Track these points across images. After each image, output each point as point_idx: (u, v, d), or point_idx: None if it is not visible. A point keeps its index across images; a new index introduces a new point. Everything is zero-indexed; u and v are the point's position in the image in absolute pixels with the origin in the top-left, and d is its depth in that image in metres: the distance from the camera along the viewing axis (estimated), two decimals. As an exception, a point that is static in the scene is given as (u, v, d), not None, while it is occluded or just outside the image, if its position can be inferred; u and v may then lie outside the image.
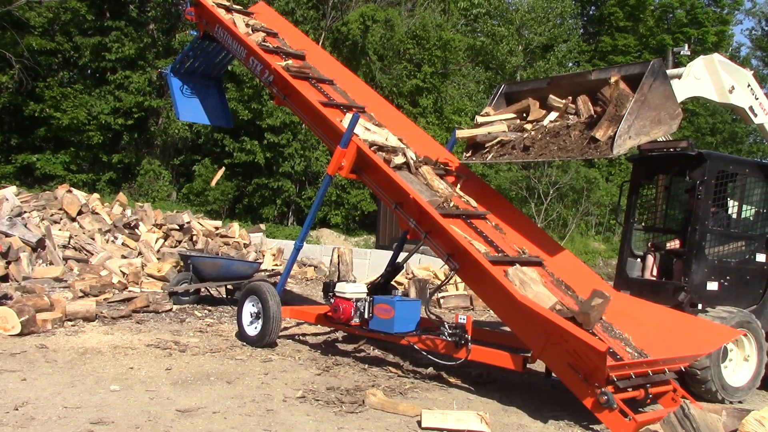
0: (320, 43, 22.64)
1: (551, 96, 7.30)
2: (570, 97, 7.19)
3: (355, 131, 7.70)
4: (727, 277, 7.48)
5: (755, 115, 7.59)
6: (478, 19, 30.57)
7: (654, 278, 7.81)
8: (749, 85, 7.48)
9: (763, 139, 8.30)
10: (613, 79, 6.48)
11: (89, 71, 25.29)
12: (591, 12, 39.56)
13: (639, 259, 8.05)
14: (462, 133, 7.91)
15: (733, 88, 7.32)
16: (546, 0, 31.83)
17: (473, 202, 7.84)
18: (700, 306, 7.24)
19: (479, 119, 7.79)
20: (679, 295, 7.21)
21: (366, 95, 9.34)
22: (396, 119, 9.00)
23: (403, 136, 8.54)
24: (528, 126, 7.39)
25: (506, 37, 30.13)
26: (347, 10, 26.12)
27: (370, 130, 8.15)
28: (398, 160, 7.79)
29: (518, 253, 7.22)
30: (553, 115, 7.23)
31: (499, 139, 7.41)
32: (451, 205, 7.57)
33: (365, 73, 24.57)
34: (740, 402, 6.97)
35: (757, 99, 7.55)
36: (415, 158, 8.07)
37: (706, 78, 7.22)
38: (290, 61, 9.30)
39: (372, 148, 7.62)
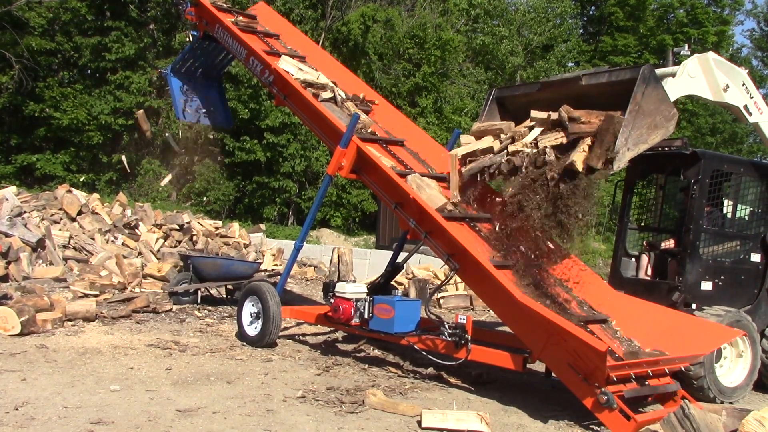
0: (320, 44, 22.64)
1: (533, 111, 7.21)
2: (548, 114, 7.02)
3: (287, 70, 8.77)
4: (722, 277, 7.47)
5: (750, 114, 7.55)
6: (478, 19, 30.55)
7: (648, 278, 7.79)
8: (744, 84, 7.44)
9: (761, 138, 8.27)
10: (584, 119, 6.45)
11: (89, 71, 25.25)
12: (591, 12, 39.55)
13: (633, 259, 8.05)
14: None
15: (727, 86, 7.28)
16: (546, 0, 31.81)
17: (392, 134, 8.77)
18: (694, 306, 7.23)
19: (460, 152, 7.51)
20: (673, 295, 7.20)
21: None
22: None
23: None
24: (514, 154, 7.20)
25: (507, 37, 30.11)
26: (347, 10, 26.10)
27: (303, 70, 9.09)
28: (326, 95, 8.68)
29: (427, 171, 8.07)
30: (537, 130, 7.04)
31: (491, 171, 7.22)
32: (368, 131, 8.43)
33: (365, 73, 24.55)
34: (737, 402, 6.98)
35: (751, 98, 7.51)
36: (343, 95, 8.96)
37: (701, 76, 7.18)
38: (240, 18, 9.83)
39: (303, 85, 8.49)
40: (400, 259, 8.74)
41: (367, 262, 15.28)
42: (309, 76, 8.96)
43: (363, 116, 8.57)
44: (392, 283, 9.12)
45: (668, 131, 6.46)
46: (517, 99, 7.81)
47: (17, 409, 5.07)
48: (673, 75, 7.01)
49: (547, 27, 31.57)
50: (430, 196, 7.20)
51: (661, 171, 8.24)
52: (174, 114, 14.39)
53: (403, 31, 26.29)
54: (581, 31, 37.93)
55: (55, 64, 25.41)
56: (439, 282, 12.49)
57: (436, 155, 8.49)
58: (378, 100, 9.41)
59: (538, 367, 6.61)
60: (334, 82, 9.14)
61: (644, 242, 8.27)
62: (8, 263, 10.37)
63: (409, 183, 7.27)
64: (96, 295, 9.64)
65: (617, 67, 7.05)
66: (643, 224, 8.54)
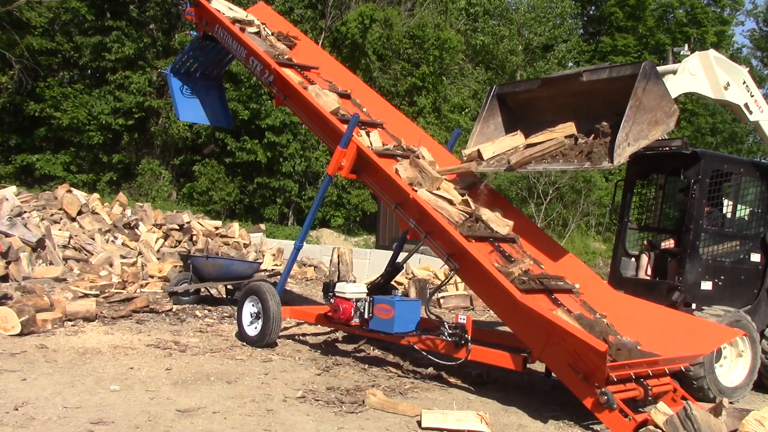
0: (320, 44, 22.64)
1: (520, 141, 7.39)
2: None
3: (218, 9, 9.76)
4: (722, 277, 7.44)
5: (750, 113, 7.50)
6: (477, 18, 30.56)
7: (648, 278, 7.77)
8: (744, 82, 7.40)
9: (761, 138, 8.28)
10: None
11: (89, 71, 25.26)
12: (591, 12, 39.56)
13: (633, 259, 8.03)
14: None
15: (728, 84, 7.24)
16: (546, 0, 31.82)
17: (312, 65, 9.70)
18: (693, 306, 7.21)
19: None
20: (673, 295, 7.18)
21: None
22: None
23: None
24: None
25: (507, 37, 30.12)
26: (346, 9, 26.11)
27: (233, 10, 10.13)
28: (251, 29, 9.78)
29: (330, 87, 9.09)
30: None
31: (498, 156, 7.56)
32: (285, 57, 9.39)
33: (364, 72, 24.54)
34: (737, 401, 6.97)
35: (752, 96, 7.47)
36: (269, 32, 10.04)
37: (701, 74, 7.15)
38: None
39: (231, 21, 9.54)
40: (400, 259, 8.74)
41: (367, 262, 15.27)
42: (238, 15, 10.05)
43: (282, 47, 9.70)
44: (392, 283, 9.12)
45: (669, 127, 6.44)
46: (518, 96, 7.81)
47: (17, 409, 5.06)
48: (674, 72, 6.99)
49: (547, 27, 31.57)
50: (326, 102, 8.26)
51: (661, 171, 8.23)
52: (174, 114, 14.41)
53: (402, 30, 26.28)
54: (581, 31, 37.94)
55: (55, 64, 25.42)
56: (439, 282, 12.49)
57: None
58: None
59: (538, 367, 6.60)
60: (262, 22, 10.18)
61: (644, 242, 8.26)
62: (8, 263, 10.37)
63: (309, 92, 8.30)
64: (96, 295, 9.63)
65: (618, 64, 7.05)
66: (643, 224, 8.53)
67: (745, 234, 7.87)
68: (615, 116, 6.42)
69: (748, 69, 7.66)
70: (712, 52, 7.27)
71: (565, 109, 7.28)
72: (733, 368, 7.23)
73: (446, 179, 7.69)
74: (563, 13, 32.50)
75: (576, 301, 6.87)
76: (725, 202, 7.87)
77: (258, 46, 9.00)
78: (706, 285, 7.34)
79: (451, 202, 7.34)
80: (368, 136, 8.33)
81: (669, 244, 7.82)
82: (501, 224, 7.33)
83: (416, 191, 7.16)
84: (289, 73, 8.75)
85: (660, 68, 6.88)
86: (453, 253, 6.73)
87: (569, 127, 7.08)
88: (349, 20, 24.61)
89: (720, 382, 6.94)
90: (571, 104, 7.22)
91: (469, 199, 7.52)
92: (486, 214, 7.32)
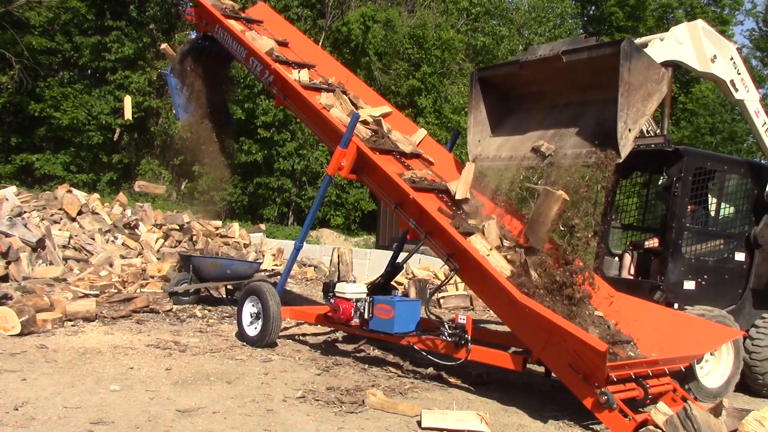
0: (320, 44, 22.64)
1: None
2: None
3: None
4: (705, 276, 7.37)
5: (736, 90, 7.33)
6: (478, 18, 30.56)
7: (631, 277, 7.71)
8: (732, 59, 7.25)
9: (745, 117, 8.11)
10: None
11: (89, 71, 25.28)
12: (591, 12, 39.57)
13: (616, 258, 7.99)
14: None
15: (715, 57, 7.07)
16: (546, 0, 31.82)
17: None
18: (676, 305, 7.12)
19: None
20: (655, 294, 7.11)
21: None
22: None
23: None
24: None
25: (507, 36, 30.13)
26: (347, 9, 26.12)
27: None
28: None
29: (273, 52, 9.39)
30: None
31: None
32: (231, 10, 10.05)
33: (365, 72, 24.54)
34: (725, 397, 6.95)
35: (739, 74, 7.29)
36: None
37: (688, 43, 6.97)
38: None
39: None
40: (400, 259, 8.74)
41: (367, 262, 15.28)
42: None
43: (229, 2, 10.20)
44: (392, 283, 9.12)
45: (663, 93, 6.28)
46: (500, 77, 7.77)
47: (17, 409, 5.06)
48: (661, 39, 6.91)
49: (547, 27, 31.56)
50: (261, 44, 8.97)
51: (644, 169, 8.18)
52: (174, 114, 14.40)
53: (403, 31, 26.29)
54: (581, 31, 37.89)
55: (56, 64, 25.43)
56: (439, 282, 12.49)
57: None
58: None
59: (538, 367, 6.60)
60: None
61: (627, 241, 8.22)
62: (8, 263, 10.37)
63: (247, 36, 9.02)
64: (96, 295, 9.63)
65: (595, 41, 6.91)
66: (626, 222, 8.47)
67: (729, 233, 7.78)
68: (601, 89, 6.44)
69: (737, 46, 7.58)
70: (700, 22, 7.12)
71: (550, 80, 7.26)
72: (716, 367, 7.15)
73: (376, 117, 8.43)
74: (563, 13, 32.52)
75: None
76: (709, 200, 7.81)
77: (206, 1, 9.70)
78: (689, 284, 7.25)
79: (365, 122, 8.17)
80: (298, 73, 9.10)
81: (652, 242, 7.78)
82: (406, 143, 8.21)
83: (328, 110, 8.00)
84: (234, 24, 9.47)
85: (646, 38, 6.85)
86: (453, 253, 6.73)
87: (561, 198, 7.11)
88: (350, 20, 24.62)
89: (705, 387, 6.90)
90: (556, 77, 7.18)
91: (383, 121, 8.32)
92: (395, 135, 8.25)
